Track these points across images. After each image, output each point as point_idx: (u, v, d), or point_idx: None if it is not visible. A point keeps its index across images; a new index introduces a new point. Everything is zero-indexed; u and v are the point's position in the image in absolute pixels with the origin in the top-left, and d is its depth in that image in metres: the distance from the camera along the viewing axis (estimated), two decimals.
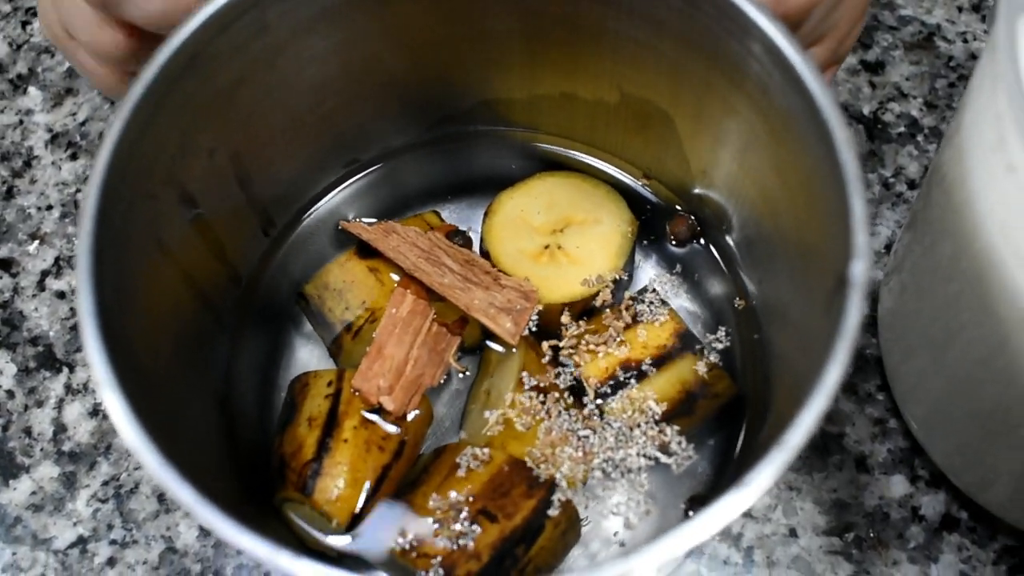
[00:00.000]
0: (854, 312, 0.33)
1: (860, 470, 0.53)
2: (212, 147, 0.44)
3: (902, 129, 0.61)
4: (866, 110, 0.62)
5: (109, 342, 0.35)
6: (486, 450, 0.46)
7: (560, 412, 0.47)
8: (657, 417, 0.47)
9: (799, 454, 0.32)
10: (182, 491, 0.33)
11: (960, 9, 0.65)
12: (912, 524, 0.52)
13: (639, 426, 0.47)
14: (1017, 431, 0.43)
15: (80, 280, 0.35)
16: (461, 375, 0.51)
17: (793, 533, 0.52)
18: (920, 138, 0.61)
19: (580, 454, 0.46)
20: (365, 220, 0.53)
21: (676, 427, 0.47)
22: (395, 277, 0.50)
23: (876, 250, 0.58)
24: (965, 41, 0.64)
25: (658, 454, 0.47)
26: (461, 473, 0.46)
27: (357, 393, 0.47)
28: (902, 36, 0.64)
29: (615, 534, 0.47)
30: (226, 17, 0.40)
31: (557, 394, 0.47)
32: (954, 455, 0.50)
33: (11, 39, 0.67)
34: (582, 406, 0.47)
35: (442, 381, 0.49)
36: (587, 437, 0.47)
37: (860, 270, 0.34)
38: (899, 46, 0.64)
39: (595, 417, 0.47)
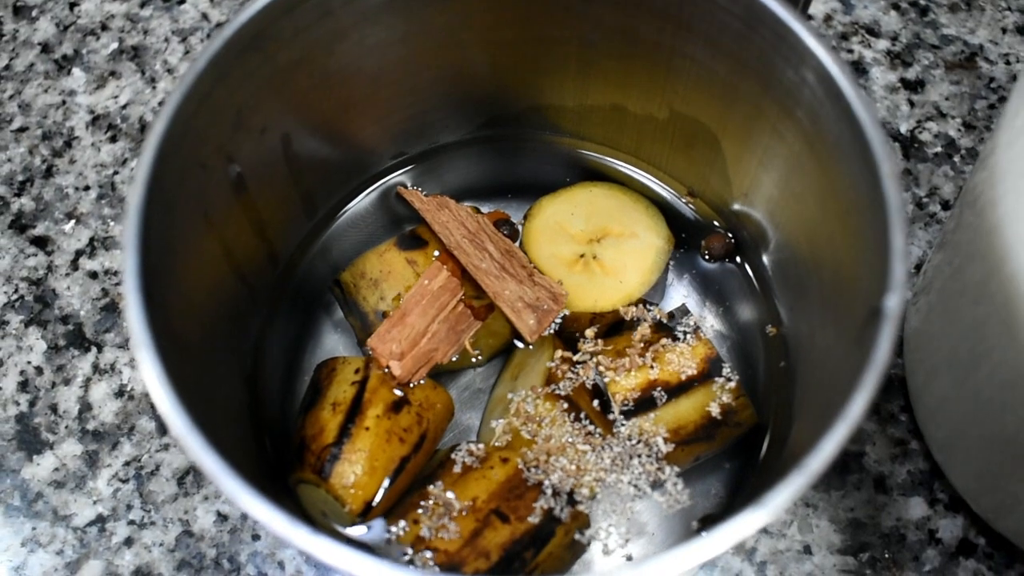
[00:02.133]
0: (885, 343, 0.33)
1: (878, 490, 0.53)
2: (265, 125, 0.44)
3: (939, 149, 0.61)
4: (903, 128, 0.62)
5: (148, 304, 0.36)
6: (480, 446, 0.47)
7: (565, 422, 0.47)
8: (660, 455, 0.47)
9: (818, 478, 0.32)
10: (207, 458, 0.34)
11: (1004, 30, 0.65)
12: (928, 547, 0.52)
13: (639, 456, 0.47)
14: None
15: (127, 237, 0.36)
16: (478, 369, 0.51)
17: (808, 550, 0.52)
18: (957, 159, 0.61)
19: (573, 467, 0.46)
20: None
21: (676, 468, 0.47)
22: None
23: (907, 270, 0.58)
24: (1008, 63, 0.64)
25: (649, 489, 0.47)
26: (458, 470, 0.46)
27: (370, 351, 0.48)
28: (944, 55, 0.64)
29: (625, 543, 0.47)
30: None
31: (567, 404, 0.47)
32: (973, 479, 0.50)
33: (58, 19, 0.68)
34: (591, 420, 0.48)
35: (454, 359, 0.49)
36: (584, 452, 0.47)
37: (895, 303, 0.34)
38: (940, 65, 0.64)
39: (596, 435, 0.47)
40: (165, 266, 0.39)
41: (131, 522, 0.53)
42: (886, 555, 0.52)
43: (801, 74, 0.40)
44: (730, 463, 0.49)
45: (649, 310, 0.50)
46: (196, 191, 0.41)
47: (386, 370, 0.47)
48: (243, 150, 0.44)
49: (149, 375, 0.35)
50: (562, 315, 0.50)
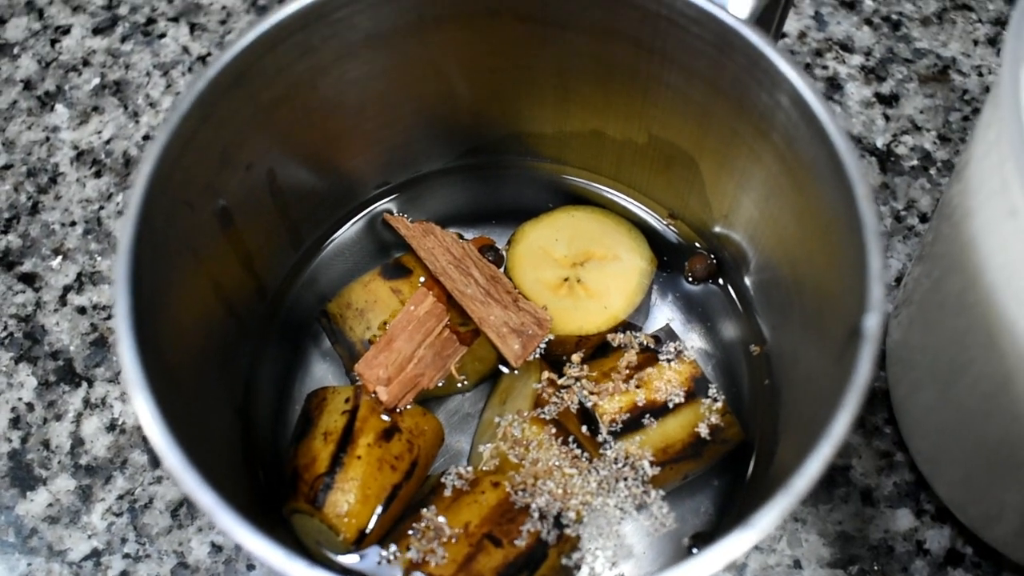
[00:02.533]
0: (865, 363, 0.34)
1: (866, 503, 0.53)
2: (250, 162, 0.45)
3: (915, 162, 0.62)
4: (879, 142, 0.63)
5: (141, 342, 0.36)
6: (469, 468, 0.48)
7: (552, 446, 0.48)
8: (646, 478, 0.48)
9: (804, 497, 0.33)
10: (201, 492, 0.34)
11: (976, 42, 0.66)
12: (917, 558, 0.52)
13: (625, 479, 0.48)
14: (1023, 467, 0.43)
15: (118, 278, 0.37)
16: (467, 394, 0.52)
17: (797, 564, 0.52)
18: (933, 171, 0.62)
19: (560, 491, 0.47)
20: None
21: (661, 491, 0.48)
22: None
23: (887, 283, 0.59)
24: (980, 75, 0.65)
25: (634, 512, 0.48)
26: (449, 494, 0.47)
27: (357, 377, 0.49)
28: (917, 68, 0.65)
29: (613, 565, 0.48)
30: (275, 37, 0.42)
31: (555, 428, 0.48)
32: (959, 490, 0.51)
33: (40, 56, 0.68)
34: (579, 443, 0.48)
35: (440, 384, 0.50)
36: (571, 476, 0.47)
37: (873, 323, 0.35)
38: (914, 79, 0.65)
39: (583, 459, 0.48)
40: (156, 303, 0.39)
41: (126, 555, 0.54)
42: (875, 567, 0.52)
43: (775, 98, 0.40)
44: (719, 480, 0.50)
45: (636, 336, 0.51)
46: (184, 229, 0.42)
47: (373, 395, 0.48)
48: (229, 186, 0.44)
49: (143, 412, 0.35)
50: (547, 339, 0.51)
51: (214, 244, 0.45)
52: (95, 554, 0.54)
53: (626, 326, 0.52)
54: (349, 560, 0.46)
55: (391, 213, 0.55)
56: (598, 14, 0.44)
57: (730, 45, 0.41)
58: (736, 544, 0.32)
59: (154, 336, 0.38)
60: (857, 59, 0.66)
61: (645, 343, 0.50)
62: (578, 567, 0.47)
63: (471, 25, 0.46)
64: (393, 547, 0.46)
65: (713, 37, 0.41)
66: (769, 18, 0.47)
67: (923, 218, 0.60)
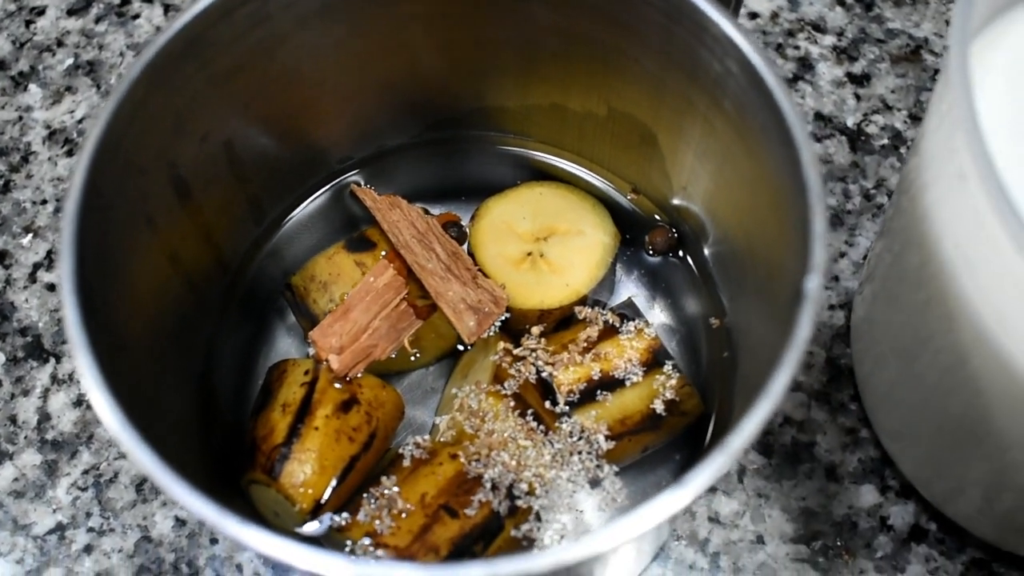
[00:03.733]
0: (805, 323, 0.34)
1: (830, 479, 0.53)
2: (206, 131, 0.45)
3: (885, 141, 0.62)
4: (850, 122, 0.63)
5: (87, 310, 0.36)
6: (427, 437, 0.48)
7: (508, 417, 0.48)
8: (600, 452, 0.48)
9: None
10: (144, 456, 0.34)
11: (948, 23, 0.66)
12: (880, 534, 0.52)
13: (580, 453, 0.48)
14: (984, 441, 0.43)
15: (64, 243, 0.37)
16: (431, 368, 0.52)
17: (760, 540, 0.52)
18: (903, 150, 0.62)
19: (513, 463, 0.47)
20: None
21: (614, 467, 0.48)
22: None
23: (855, 261, 0.59)
24: None
25: (587, 486, 0.48)
26: (407, 464, 0.47)
27: (310, 341, 0.49)
28: (889, 49, 0.65)
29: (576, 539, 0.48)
30: (229, 5, 0.42)
31: (514, 402, 0.48)
32: (923, 466, 0.51)
33: (15, 37, 0.68)
34: (536, 416, 0.48)
35: (392, 356, 0.50)
36: (525, 448, 0.47)
37: (815, 284, 0.35)
38: (885, 59, 0.65)
39: (539, 432, 0.48)
40: (106, 272, 0.39)
41: (90, 529, 0.54)
42: (838, 543, 0.52)
43: (725, 64, 0.40)
44: (679, 454, 0.50)
45: (603, 314, 0.51)
46: (137, 197, 0.42)
47: (325, 363, 0.48)
48: (185, 156, 0.44)
49: (88, 378, 0.35)
50: (503, 318, 0.51)
51: (170, 214, 0.45)
52: (60, 528, 0.54)
53: (591, 301, 0.52)
54: (305, 529, 0.46)
55: (359, 185, 0.55)
56: None
57: (679, 12, 0.41)
58: (669, 503, 0.32)
59: (103, 303, 0.38)
60: (829, 39, 0.66)
61: (611, 321, 0.50)
62: (529, 539, 0.46)
63: None
64: (352, 519, 0.46)
65: (663, 4, 0.41)
66: None
67: (892, 196, 0.60)
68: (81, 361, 0.35)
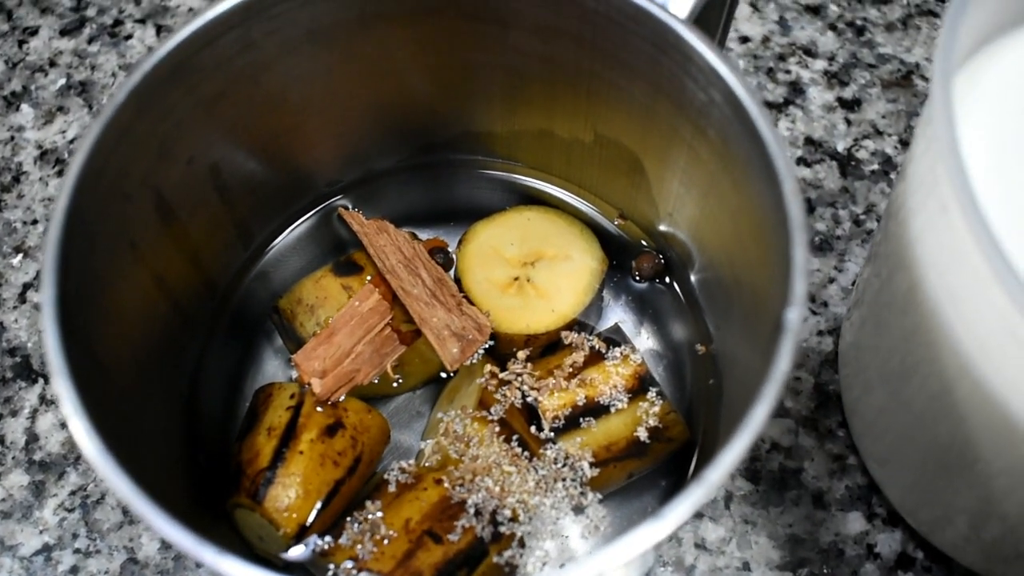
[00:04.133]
0: (784, 356, 0.34)
1: (817, 506, 0.53)
2: (191, 156, 0.45)
3: (876, 166, 0.62)
4: (840, 147, 0.63)
5: (67, 332, 0.36)
6: (411, 462, 0.47)
7: (493, 443, 0.47)
8: (585, 480, 0.48)
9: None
10: (121, 483, 0.34)
11: None
12: (867, 562, 0.52)
13: (564, 480, 0.48)
14: (971, 469, 0.43)
15: (45, 265, 0.37)
16: (417, 392, 0.52)
17: (747, 567, 0.52)
18: (894, 176, 0.62)
19: (497, 489, 0.47)
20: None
21: (598, 495, 0.48)
22: None
23: (844, 286, 0.59)
24: None
25: (571, 513, 0.48)
26: (392, 489, 0.47)
27: (294, 364, 0.49)
28: (880, 74, 0.65)
29: (561, 566, 0.47)
30: (212, 32, 0.42)
31: (499, 428, 0.48)
32: (910, 493, 0.50)
33: (7, 57, 0.69)
34: (521, 442, 0.48)
35: (375, 381, 0.50)
36: (510, 474, 0.47)
37: (795, 316, 0.35)
38: (876, 84, 0.65)
39: (524, 458, 0.48)
40: (88, 296, 0.39)
41: (77, 551, 0.54)
42: (825, 570, 0.52)
43: (710, 95, 0.40)
44: (665, 480, 0.50)
45: (589, 340, 0.51)
46: (120, 222, 0.42)
47: (307, 386, 0.48)
48: (169, 181, 0.44)
49: (65, 403, 0.35)
50: (487, 345, 0.51)
51: (155, 238, 0.45)
52: (46, 549, 0.54)
53: (578, 326, 0.52)
54: (291, 555, 0.46)
55: (347, 208, 0.55)
56: (539, 13, 0.44)
57: (666, 42, 0.41)
58: (647, 535, 0.32)
59: (84, 326, 0.38)
60: (820, 64, 0.66)
61: (597, 347, 0.50)
62: (511, 566, 0.46)
63: (414, 23, 0.46)
64: (336, 544, 0.46)
65: (650, 34, 0.41)
66: (713, 20, 0.47)
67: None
68: (60, 386, 0.35)
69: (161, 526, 0.33)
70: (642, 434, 0.48)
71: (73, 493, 0.55)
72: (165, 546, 0.53)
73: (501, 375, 0.49)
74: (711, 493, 0.33)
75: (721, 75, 0.39)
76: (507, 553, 0.46)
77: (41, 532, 0.54)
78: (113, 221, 0.41)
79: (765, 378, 0.34)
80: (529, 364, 0.50)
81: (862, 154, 0.63)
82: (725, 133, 0.41)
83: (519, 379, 0.49)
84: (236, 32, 0.42)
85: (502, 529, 0.46)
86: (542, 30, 0.45)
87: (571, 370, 0.49)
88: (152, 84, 0.41)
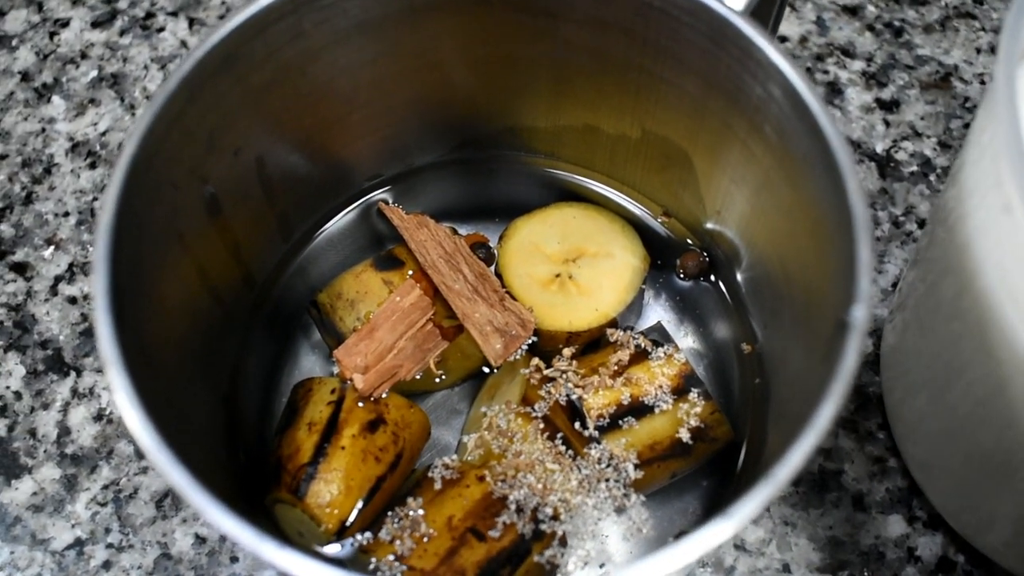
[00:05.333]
0: (851, 354, 0.34)
1: (857, 508, 0.53)
2: (238, 147, 0.45)
3: (915, 168, 0.62)
4: (879, 148, 0.62)
5: (119, 323, 0.36)
6: (455, 457, 0.47)
7: (537, 439, 0.47)
8: (628, 481, 0.47)
9: (788, 490, 0.32)
10: (174, 472, 0.34)
11: (979, 50, 0.65)
12: (908, 565, 0.52)
13: (607, 480, 0.47)
14: (1016, 474, 0.43)
15: (97, 258, 0.36)
16: (456, 389, 0.51)
17: (786, 568, 0.51)
18: (932, 177, 0.61)
19: (540, 486, 0.46)
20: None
21: (641, 496, 0.47)
22: None
23: (883, 288, 0.58)
24: (982, 83, 0.64)
25: (613, 514, 0.47)
26: (438, 486, 0.46)
27: (335, 360, 0.48)
28: (919, 75, 0.65)
29: (601, 566, 0.47)
30: (264, 20, 0.41)
31: (543, 424, 0.47)
32: (952, 497, 0.50)
33: (38, 48, 0.68)
34: (565, 441, 0.47)
35: (417, 376, 0.49)
36: (553, 472, 0.47)
37: (861, 314, 0.34)
38: (915, 85, 0.64)
39: (567, 456, 0.47)
40: (137, 286, 0.39)
41: (109, 545, 0.53)
42: (865, 573, 0.51)
43: (768, 90, 0.40)
44: (707, 480, 0.49)
45: (635, 337, 0.50)
46: (168, 212, 0.42)
47: (349, 382, 0.47)
48: (216, 171, 0.44)
49: (119, 393, 0.35)
50: (530, 341, 0.50)
51: (200, 229, 0.45)
52: (78, 543, 0.53)
53: (618, 324, 0.51)
54: (330, 550, 0.46)
55: (387, 203, 0.54)
56: (590, 5, 0.44)
57: (723, 36, 0.40)
58: (714, 534, 0.32)
59: (134, 318, 0.38)
60: (858, 64, 0.65)
61: (643, 345, 0.50)
62: (553, 564, 0.46)
63: (462, 14, 0.45)
64: (378, 540, 0.45)
65: (707, 28, 0.41)
66: (765, 14, 0.46)
67: (921, 224, 0.60)
68: (114, 376, 0.35)
69: (221, 520, 0.33)
70: (685, 435, 0.47)
71: (106, 487, 0.54)
72: (199, 541, 0.53)
73: (546, 371, 0.49)
74: (780, 491, 0.32)
75: (781, 70, 0.39)
76: (548, 552, 0.46)
77: (73, 526, 0.54)
78: (161, 212, 0.41)
79: (830, 376, 0.34)
80: (574, 361, 0.49)
81: (901, 155, 0.62)
82: (782, 129, 0.40)
83: (564, 376, 0.49)
84: (287, 21, 0.42)
85: (543, 527, 0.46)
86: (592, 23, 0.44)
87: (616, 368, 0.49)
88: (203, 73, 0.40)
